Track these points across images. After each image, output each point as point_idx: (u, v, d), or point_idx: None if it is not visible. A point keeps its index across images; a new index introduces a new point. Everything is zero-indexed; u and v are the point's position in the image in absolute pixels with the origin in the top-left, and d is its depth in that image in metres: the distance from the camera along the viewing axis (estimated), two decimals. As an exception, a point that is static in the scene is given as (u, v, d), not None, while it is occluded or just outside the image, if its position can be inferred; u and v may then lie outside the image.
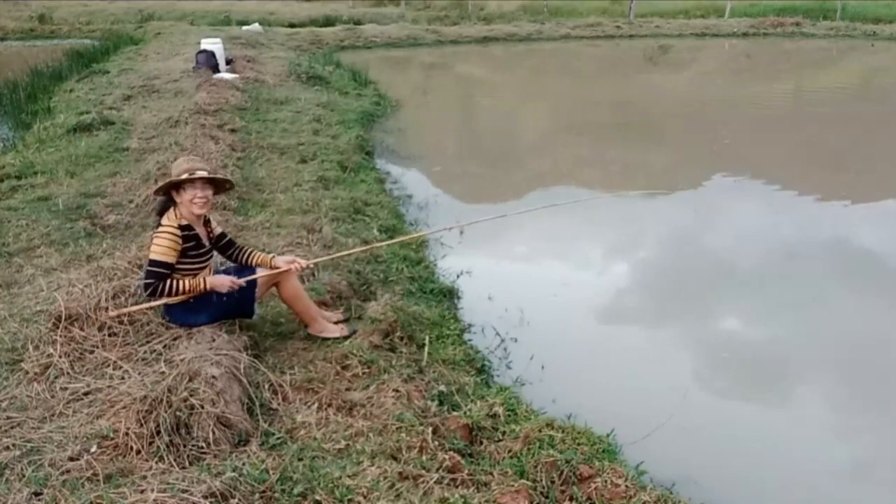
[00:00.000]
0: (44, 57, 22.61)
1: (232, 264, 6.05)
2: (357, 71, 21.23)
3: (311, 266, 6.46)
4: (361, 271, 7.48)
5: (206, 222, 5.76)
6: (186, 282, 5.43)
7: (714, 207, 11.32)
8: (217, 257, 6.07)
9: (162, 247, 5.33)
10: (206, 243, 5.69)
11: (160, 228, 5.41)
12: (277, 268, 5.82)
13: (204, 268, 5.66)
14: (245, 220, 8.58)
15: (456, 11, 40.53)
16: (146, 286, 5.36)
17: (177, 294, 5.41)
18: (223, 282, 5.58)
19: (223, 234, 5.94)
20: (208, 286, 5.50)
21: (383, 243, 7.96)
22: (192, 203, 5.49)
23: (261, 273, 5.78)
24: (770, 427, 5.91)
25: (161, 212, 5.56)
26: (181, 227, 5.43)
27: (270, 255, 5.94)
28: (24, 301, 6.31)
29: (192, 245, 5.51)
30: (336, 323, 6.28)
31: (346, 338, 6.00)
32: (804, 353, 7.02)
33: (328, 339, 5.99)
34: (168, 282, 5.36)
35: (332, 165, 11.28)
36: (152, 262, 5.34)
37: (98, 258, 7.08)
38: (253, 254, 5.93)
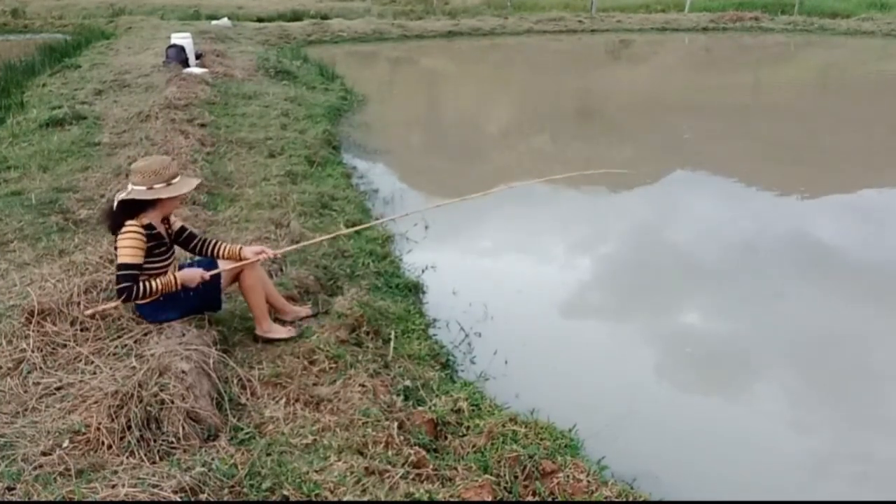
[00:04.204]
0: (17, 51, 22.48)
1: (198, 257, 6.03)
2: (324, 65, 21.24)
3: (279, 256, 6.50)
4: (328, 266, 7.52)
5: (165, 219, 5.69)
6: (158, 281, 5.39)
7: (675, 202, 11.45)
8: (181, 251, 6.07)
9: (129, 248, 5.28)
10: (167, 241, 5.65)
11: (125, 229, 5.33)
12: (245, 258, 5.83)
13: (169, 265, 5.63)
14: (214, 215, 8.61)
15: (421, 6, 40.62)
16: (120, 292, 5.30)
17: (150, 295, 5.37)
18: (193, 276, 5.57)
19: (183, 228, 5.87)
20: (179, 282, 5.49)
21: (351, 230, 8.02)
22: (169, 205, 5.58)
23: (226, 265, 5.78)
24: (731, 422, 6.00)
25: (130, 214, 5.42)
26: (144, 227, 5.38)
27: (238, 246, 5.94)
28: (-2, 296, 6.29)
29: (156, 244, 5.46)
30: (304, 318, 6.35)
31: (299, 336, 6.01)
32: (765, 347, 7.10)
33: (275, 340, 5.97)
34: (141, 284, 5.31)
35: (299, 160, 11.32)
36: (122, 266, 5.28)
37: (70, 253, 7.07)
38: (219, 244, 5.91)
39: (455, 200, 7.49)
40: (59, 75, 18.59)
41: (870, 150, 14.46)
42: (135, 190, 5.35)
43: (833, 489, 5.22)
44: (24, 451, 4.22)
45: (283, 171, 10.53)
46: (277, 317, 6.21)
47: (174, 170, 5.51)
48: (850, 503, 5.14)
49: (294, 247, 7.01)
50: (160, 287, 5.39)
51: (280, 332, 6.02)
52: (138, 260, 5.32)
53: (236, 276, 5.90)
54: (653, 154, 13.99)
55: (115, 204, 5.43)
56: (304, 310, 6.44)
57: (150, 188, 5.34)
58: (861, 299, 8.02)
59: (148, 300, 5.45)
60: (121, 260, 5.30)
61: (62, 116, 12.90)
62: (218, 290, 5.83)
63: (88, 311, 5.56)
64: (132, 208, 5.37)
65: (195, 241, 5.91)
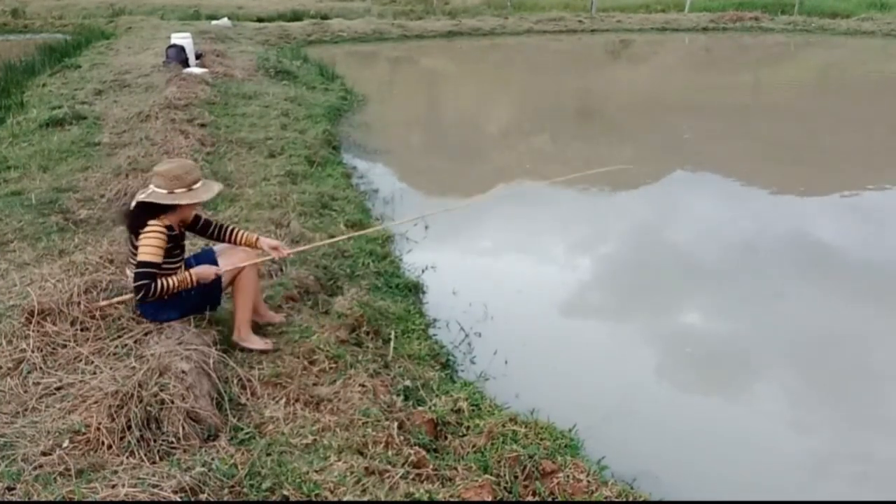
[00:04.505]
0: (17, 51, 22.48)
1: (196, 252, 6.01)
2: (324, 65, 21.24)
3: (292, 255, 6.48)
4: (328, 266, 7.51)
5: (181, 220, 5.66)
6: (174, 279, 5.36)
7: (675, 202, 11.45)
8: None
9: (152, 247, 5.24)
10: (183, 242, 5.65)
11: (148, 228, 5.28)
12: (260, 248, 5.84)
13: (180, 265, 5.60)
14: (214, 215, 8.54)
15: (421, 6, 40.62)
16: (138, 289, 5.26)
17: (167, 292, 5.33)
18: (208, 272, 5.54)
19: (197, 217, 5.81)
20: (195, 279, 5.46)
21: (368, 230, 8.28)
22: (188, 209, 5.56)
23: (230, 262, 5.72)
24: (731, 422, 6.01)
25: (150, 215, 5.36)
26: (168, 228, 5.37)
27: (255, 235, 5.91)
28: (-2, 296, 6.28)
29: (173, 245, 5.45)
30: (274, 324, 6.27)
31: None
32: (765, 347, 7.11)
33: (251, 349, 5.82)
34: (158, 282, 5.28)
35: (299, 160, 11.31)
36: (143, 264, 5.23)
37: (70, 253, 7.06)
38: (237, 231, 5.88)
39: (463, 205, 7.53)
40: (59, 75, 18.60)
41: (870, 150, 14.46)
42: (155, 192, 5.33)
43: (833, 489, 5.22)
44: (24, 451, 4.21)
45: (283, 171, 10.52)
46: (252, 318, 6.11)
47: (196, 175, 5.47)
48: (850, 503, 5.14)
49: (309, 246, 7.12)
50: (176, 284, 5.37)
51: (256, 342, 5.87)
52: (158, 259, 5.30)
53: (238, 270, 5.81)
54: (653, 154, 13.99)
55: (135, 204, 5.42)
56: (279, 317, 6.34)
57: (171, 192, 5.32)
58: (861, 299, 8.03)
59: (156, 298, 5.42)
60: (142, 258, 5.25)
61: (62, 116, 12.90)
62: (219, 288, 5.79)
63: (104, 303, 5.59)
64: (152, 210, 5.34)
65: (212, 228, 5.86)
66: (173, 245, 5.46)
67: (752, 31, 34.15)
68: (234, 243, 5.86)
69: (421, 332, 6.75)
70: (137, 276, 5.26)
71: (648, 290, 8.38)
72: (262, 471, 4.29)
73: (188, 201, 5.39)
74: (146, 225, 5.30)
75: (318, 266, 7.42)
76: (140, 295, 5.29)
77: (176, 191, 5.33)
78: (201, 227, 5.85)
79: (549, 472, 4.58)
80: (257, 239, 5.87)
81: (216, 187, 5.71)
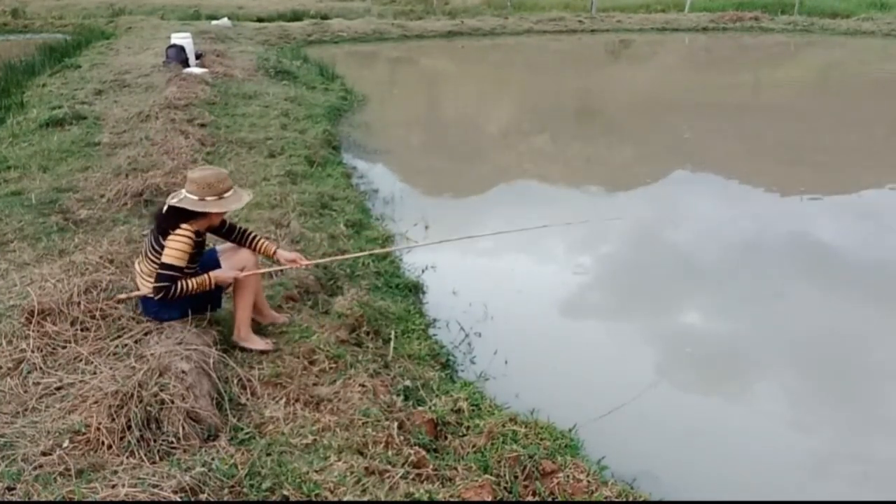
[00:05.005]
0: (17, 51, 22.52)
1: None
2: (324, 65, 21.24)
3: (311, 266, 6.52)
4: (328, 266, 7.50)
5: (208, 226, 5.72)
6: (193, 281, 5.39)
7: (675, 202, 11.43)
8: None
9: (178, 251, 5.30)
10: (204, 244, 5.69)
11: (179, 232, 5.33)
12: (277, 259, 5.92)
13: (197, 268, 5.63)
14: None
15: (421, 6, 40.62)
16: (158, 290, 5.31)
17: (186, 294, 5.37)
18: (227, 275, 5.59)
19: (223, 221, 5.82)
20: (213, 282, 5.50)
21: (390, 248, 8.32)
22: (217, 216, 5.59)
23: (239, 262, 5.74)
24: (731, 421, 6.01)
25: (180, 219, 5.41)
26: (196, 234, 5.42)
27: (274, 247, 5.94)
28: (-2, 295, 6.27)
29: (197, 251, 5.50)
30: (278, 324, 6.28)
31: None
32: (765, 347, 7.10)
33: (250, 349, 5.82)
34: (178, 283, 5.32)
35: (299, 160, 11.30)
36: (167, 266, 5.29)
37: (70, 253, 7.07)
38: (257, 239, 5.91)
39: (488, 234, 7.59)
40: (59, 75, 18.59)
41: (870, 150, 14.45)
42: (187, 198, 5.36)
43: (833, 489, 5.22)
44: (24, 451, 4.20)
45: (283, 171, 10.51)
46: (254, 317, 6.12)
47: (228, 184, 5.50)
48: (850, 503, 5.14)
49: (328, 259, 7.18)
50: (195, 286, 5.40)
51: (257, 343, 5.87)
52: (182, 263, 5.34)
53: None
54: (653, 154, 13.98)
55: (166, 208, 5.46)
56: (282, 317, 6.35)
57: (202, 200, 5.35)
58: (861, 299, 8.03)
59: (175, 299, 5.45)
60: (166, 260, 5.30)
61: (62, 116, 12.90)
62: (220, 288, 5.81)
63: (122, 296, 5.70)
64: (182, 215, 5.38)
65: (235, 234, 5.89)
66: (197, 252, 5.52)
67: (752, 31, 34.11)
68: (254, 251, 5.90)
69: (421, 332, 6.74)
70: (160, 277, 5.32)
71: (648, 290, 8.37)
72: (262, 471, 4.29)
73: (218, 210, 5.44)
74: (177, 227, 5.35)
75: (318, 266, 7.41)
76: (159, 296, 5.35)
77: (207, 198, 5.36)
78: (225, 232, 5.88)
79: (549, 472, 4.58)
80: (275, 251, 5.91)
81: (246, 197, 5.70)
